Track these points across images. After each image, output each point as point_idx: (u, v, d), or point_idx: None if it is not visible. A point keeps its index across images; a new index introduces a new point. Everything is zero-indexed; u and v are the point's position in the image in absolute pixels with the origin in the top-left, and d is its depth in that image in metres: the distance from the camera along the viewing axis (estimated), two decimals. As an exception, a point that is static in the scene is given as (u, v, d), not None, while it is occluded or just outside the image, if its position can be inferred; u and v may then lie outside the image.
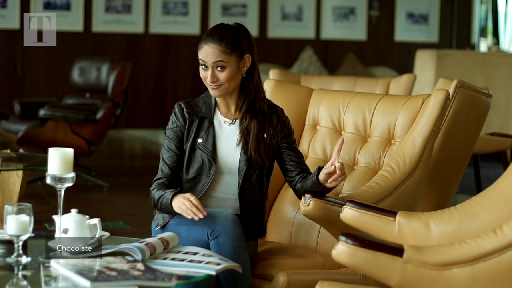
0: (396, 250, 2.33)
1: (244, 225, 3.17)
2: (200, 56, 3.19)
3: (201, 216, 2.97)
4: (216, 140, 3.23)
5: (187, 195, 3.03)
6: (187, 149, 3.22)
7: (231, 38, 3.17)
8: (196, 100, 3.30)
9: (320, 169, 3.12)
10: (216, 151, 3.21)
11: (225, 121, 3.26)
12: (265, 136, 3.22)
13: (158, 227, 3.17)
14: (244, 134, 3.21)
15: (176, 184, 3.23)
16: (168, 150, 3.24)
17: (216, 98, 3.27)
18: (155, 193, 3.16)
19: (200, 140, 3.22)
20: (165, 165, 3.23)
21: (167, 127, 3.27)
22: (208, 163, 3.19)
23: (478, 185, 6.38)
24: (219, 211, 3.08)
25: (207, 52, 3.16)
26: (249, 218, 3.22)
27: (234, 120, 3.26)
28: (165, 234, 2.94)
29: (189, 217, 2.99)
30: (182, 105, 3.26)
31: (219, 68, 3.16)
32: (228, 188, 3.21)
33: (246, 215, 3.21)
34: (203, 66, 3.19)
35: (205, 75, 3.19)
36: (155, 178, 3.24)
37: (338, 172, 3.02)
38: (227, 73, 3.16)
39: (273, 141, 3.24)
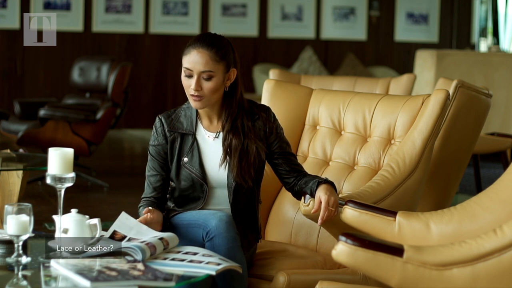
0: (396, 250, 2.33)
1: (240, 236, 3.11)
2: (185, 64, 3.06)
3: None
4: (202, 158, 3.15)
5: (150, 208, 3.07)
6: (173, 168, 3.16)
7: (221, 46, 3.08)
8: (178, 113, 3.19)
9: (319, 183, 3.11)
10: (204, 169, 3.14)
11: (208, 136, 3.17)
12: (249, 154, 3.13)
13: None
14: (227, 153, 3.13)
15: (162, 202, 3.21)
16: (152, 169, 3.18)
17: (198, 111, 3.17)
18: (139, 213, 3.17)
19: (185, 159, 3.14)
20: (149, 185, 3.19)
21: (150, 143, 3.19)
22: (198, 183, 3.14)
23: (478, 185, 6.38)
24: (213, 212, 3.06)
25: (195, 59, 3.04)
26: (244, 228, 3.17)
27: (217, 134, 3.17)
28: (165, 234, 2.93)
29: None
30: (163, 120, 3.16)
31: (205, 77, 3.05)
32: (221, 200, 3.18)
33: (241, 225, 3.15)
34: (187, 75, 3.07)
35: (188, 83, 3.07)
36: (142, 195, 3.22)
37: (322, 209, 3.04)
38: (213, 84, 3.05)
39: (257, 160, 3.15)
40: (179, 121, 3.18)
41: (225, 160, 3.14)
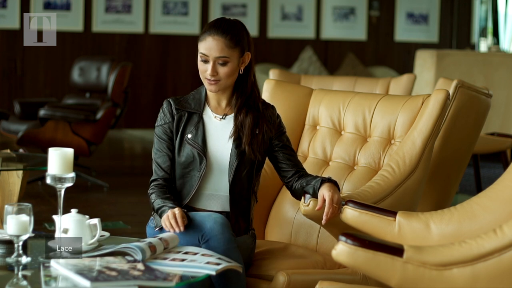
0: (396, 250, 2.33)
1: (232, 222, 3.15)
2: (201, 50, 3.15)
3: (177, 230, 2.94)
4: (206, 134, 3.20)
5: (175, 209, 3.00)
6: (176, 144, 3.20)
7: (236, 32, 3.15)
8: (186, 97, 3.27)
9: (323, 181, 3.12)
10: (207, 145, 3.19)
11: (215, 116, 3.23)
12: (257, 132, 3.19)
13: (157, 229, 3.16)
14: (238, 128, 3.18)
15: (171, 184, 3.21)
16: (159, 150, 3.21)
17: (208, 93, 3.24)
18: (155, 200, 3.13)
19: (189, 135, 3.19)
20: (158, 166, 3.20)
21: (156, 125, 3.24)
22: (198, 158, 3.16)
23: (478, 185, 6.38)
24: (208, 214, 3.06)
25: (211, 45, 3.12)
26: (237, 214, 3.20)
27: (224, 115, 3.23)
28: (165, 235, 2.93)
29: (166, 229, 2.97)
30: (171, 101, 3.24)
31: (220, 63, 3.13)
32: (218, 186, 3.19)
33: (235, 211, 3.19)
34: (203, 60, 3.15)
35: (204, 68, 3.15)
36: (152, 179, 3.22)
37: (326, 205, 3.04)
38: (228, 68, 3.13)
39: (265, 138, 3.21)
40: (187, 102, 3.26)
41: (234, 135, 3.18)
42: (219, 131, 3.22)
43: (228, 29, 3.14)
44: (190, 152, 3.17)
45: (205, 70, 3.15)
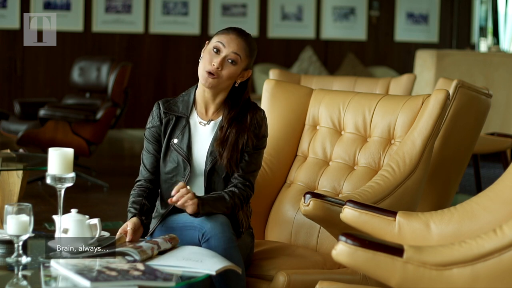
0: (396, 250, 2.33)
1: None
2: (220, 39, 3.14)
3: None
4: (191, 141, 3.20)
5: (130, 221, 3.03)
6: (163, 149, 3.21)
7: (253, 47, 3.19)
8: (176, 99, 3.27)
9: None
10: (191, 151, 3.19)
11: (200, 122, 3.22)
12: (239, 145, 3.15)
13: (148, 235, 3.15)
14: (222, 140, 3.15)
15: (156, 185, 3.23)
16: (147, 151, 3.25)
17: (196, 97, 3.24)
18: (130, 200, 3.18)
19: (175, 141, 3.20)
20: (144, 167, 3.24)
21: (146, 127, 3.27)
22: (183, 165, 3.17)
23: (478, 185, 6.38)
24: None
25: (232, 40, 3.13)
26: None
27: (209, 121, 3.22)
28: (166, 235, 2.94)
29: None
30: (160, 104, 3.25)
31: (230, 60, 3.12)
32: (200, 191, 3.17)
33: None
34: (215, 50, 3.13)
35: (211, 58, 3.12)
36: (136, 179, 3.25)
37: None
38: (233, 69, 3.13)
39: (244, 146, 3.17)
40: (176, 105, 3.25)
41: (217, 147, 3.15)
42: (203, 138, 3.21)
43: (249, 39, 3.18)
44: (176, 158, 3.19)
45: (211, 61, 3.12)
